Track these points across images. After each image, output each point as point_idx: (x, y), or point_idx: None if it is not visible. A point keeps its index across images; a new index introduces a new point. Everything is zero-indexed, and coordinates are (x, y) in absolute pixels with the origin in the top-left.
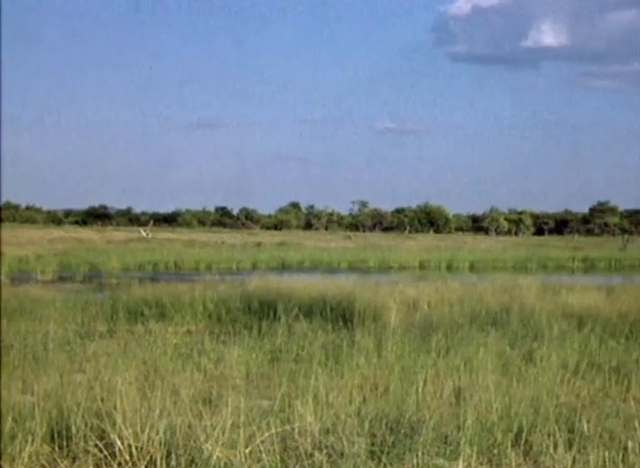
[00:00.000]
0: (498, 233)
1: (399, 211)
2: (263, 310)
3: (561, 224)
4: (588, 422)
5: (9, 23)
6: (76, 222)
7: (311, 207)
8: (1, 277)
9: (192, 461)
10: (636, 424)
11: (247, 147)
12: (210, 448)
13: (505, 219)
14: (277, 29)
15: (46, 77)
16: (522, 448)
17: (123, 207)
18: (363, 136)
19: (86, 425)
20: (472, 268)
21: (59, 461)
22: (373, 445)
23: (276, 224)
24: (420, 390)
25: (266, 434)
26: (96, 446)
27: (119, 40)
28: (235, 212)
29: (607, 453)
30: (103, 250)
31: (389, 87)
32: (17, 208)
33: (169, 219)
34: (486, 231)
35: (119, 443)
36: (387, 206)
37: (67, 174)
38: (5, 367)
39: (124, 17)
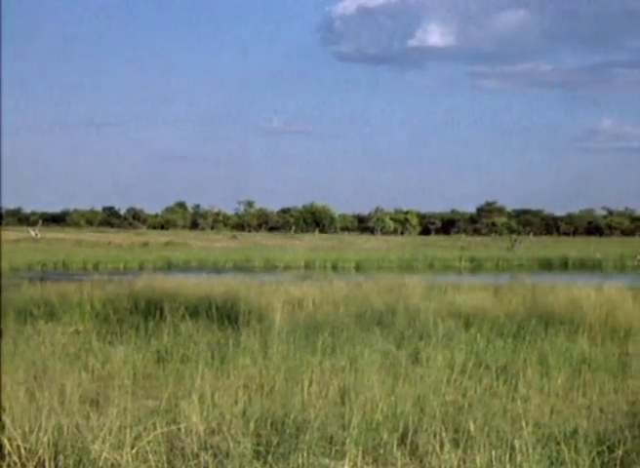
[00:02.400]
0: (383, 233)
1: (285, 210)
2: (150, 310)
3: (448, 224)
4: (475, 422)
5: None
6: None
7: (197, 206)
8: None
9: (80, 462)
10: (523, 423)
11: (134, 147)
12: (97, 448)
13: (391, 219)
14: (167, 30)
15: None
16: (408, 447)
17: (12, 207)
18: (250, 136)
19: None
20: (358, 268)
21: None
22: (258, 444)
23: (163, 224)
24: (305, 390)
25: (152, 434)
26: None
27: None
28: (122, 211)
29: (494, 453)
30: None
31: (276, 87)
32: None
33: (58, 219)
34: (372, 231)
35: (8, 444)
36: (273, 206)
37: None
38: None
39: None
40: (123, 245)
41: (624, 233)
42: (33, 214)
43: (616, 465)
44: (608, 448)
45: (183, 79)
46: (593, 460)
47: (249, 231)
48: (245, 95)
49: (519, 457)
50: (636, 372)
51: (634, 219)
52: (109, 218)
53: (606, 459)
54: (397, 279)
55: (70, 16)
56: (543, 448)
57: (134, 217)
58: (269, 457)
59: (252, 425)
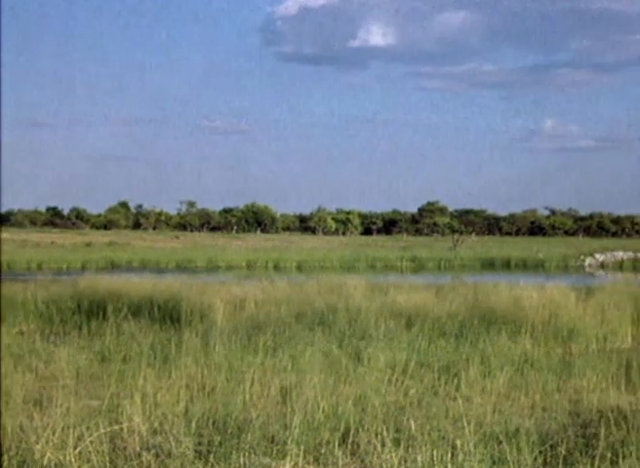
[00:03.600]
0: (325, 233)
1: (226, 210)
2: (93, 310)
3: (390, 224)
4: (416, 421)
5: None
6: None
7: (140, 206)
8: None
9: (24, 462)
10: (465, 423)
11: (77, 147)
12: (40, 448)
13: (333, 219)
14: (106, 30)
15: None
16: (349, 447)
17: None
18: (192, 137)
19: None
20: (299, 268)
21: None
22: (200, 444)
23: (105, 224)
24: (246, 390)
25: (95, 434)
26: None
27: None
28: (66, 212)
29: (435, 452)
30: None
31: (218, 87)
32: None
33: (1, 220)
34: (313, 231)
35: None
36: (215, 206)
37: None
38: None
39: None
40: (66, 245)
41: (568, 233)
42: None
43: (558, 464)
44: (551, 446)
45: (125, 79)
46: (535, 459)
47: (191, 231)
48: (187, 95)
49: (461, 456)
50: (579, 372)
51: (577, 220)
52: (53, 219)
53: (549, 458)
54: (339, 279)
55: (4, 14)
56: (485, 448)
57: (77, 217)
58: (211, 457)
59: (193, 425)
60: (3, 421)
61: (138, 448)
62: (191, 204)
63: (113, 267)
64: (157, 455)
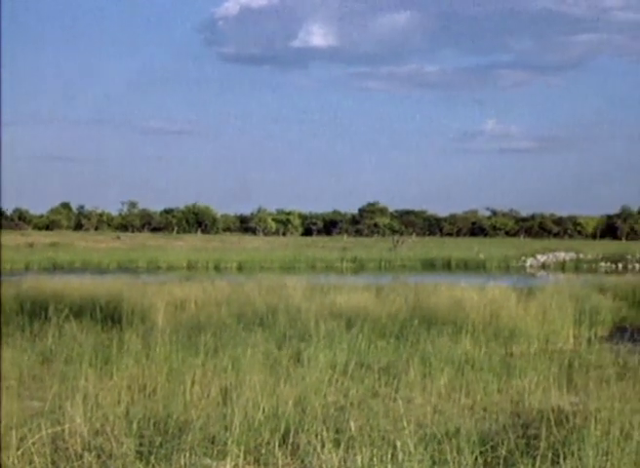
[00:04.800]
0: (265, 233)
1: (168, 211)
2: (36, 311)
3: (330, 225)
4: (356, 421)
5: None
6: None
7: (82, 207)
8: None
9: None
10: (405, 423)
11: (18, 147)
12: None
13: (273, 220)
14: (46, 30)
15: None
16: (289, 447)
17: None
18: (133, 137)
19: None
20: (240, 268)
21: None
22: (141, 445)
23: (48, 225)
24: (187, 390)
25: (37, 436)
26: None
27: None
28: (9, 212)
29: (375, 452)
30: None
31: (160, 87)
32: None
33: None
34: (254, 231)
35: None
36: (156, 206)
37: None
38: None
39: None
40: (9, 245)
41: (509, 234)
42: None
43: (499, 464)
44: (491, 447)
45: (68, 80)
46: (476, 460)
47: (132, 232)
48: (127, 95)
49: (401, 457)
50: (520, 373)
51: (519, 220)
52: None
53: (489, 459)
54: (279, 279)
55: None
56: (426, 448)
57: (19, 218)
58: (152, 458)
59: (135, 426)
60: None
61: (79, 450)
62: (133, 204)
63: (56, 268)
64: (99, 456)
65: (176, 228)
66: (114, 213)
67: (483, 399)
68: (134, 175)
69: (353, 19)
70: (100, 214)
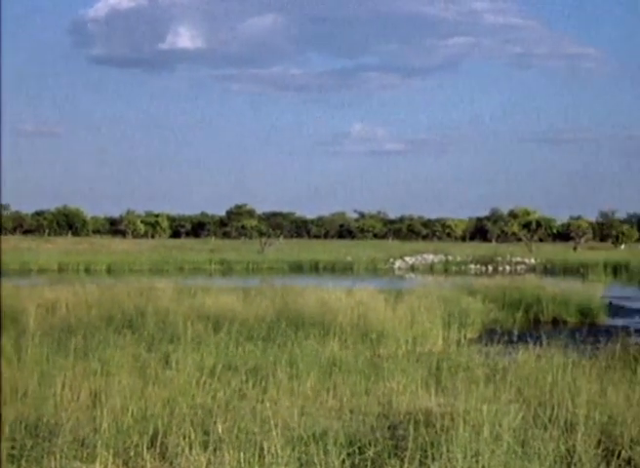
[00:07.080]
0: (134, 236)
1: (39, 213)
2: None
3: (198, 227)
4: (224, 424)
5: None
6: None
7: None
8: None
9: None
10: (272, 425)
11: None
12: None
13: (142, 222)
14: None
15: None
16: (158, 449)
17: None
18: (4, 139)
19: None
20: (109, 271)
21: None
22: (13, 448)
23: None
24: (58, 393)
25: None
26: None
27: None
28: None
29: (242, 454)
30: None
31: (28, 89)
32: None
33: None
34: (123, 234)
35: None
36: (27, 208)
37: None
38: None
39: None
40: None
41: (377, 236)
42: None
43: (366, 466)
44: (359, 448)
45: None
46: (343, 461)
47: (4, 234)
48: None
49: (268, 459)
50: (388, 375)
51: (387, 223)
52: None
53: (357, 460)
54: (148, 282)
55: None
56: (293, 450)
57: None
58: (23, 461)
59: (6, 429)
60: None
61: None
62: (4, 207)
63: None
64: None
65: (47, 230)
66: None
67: (350, 401)
68: (4, 178)
69: (220, 22)
70: None
